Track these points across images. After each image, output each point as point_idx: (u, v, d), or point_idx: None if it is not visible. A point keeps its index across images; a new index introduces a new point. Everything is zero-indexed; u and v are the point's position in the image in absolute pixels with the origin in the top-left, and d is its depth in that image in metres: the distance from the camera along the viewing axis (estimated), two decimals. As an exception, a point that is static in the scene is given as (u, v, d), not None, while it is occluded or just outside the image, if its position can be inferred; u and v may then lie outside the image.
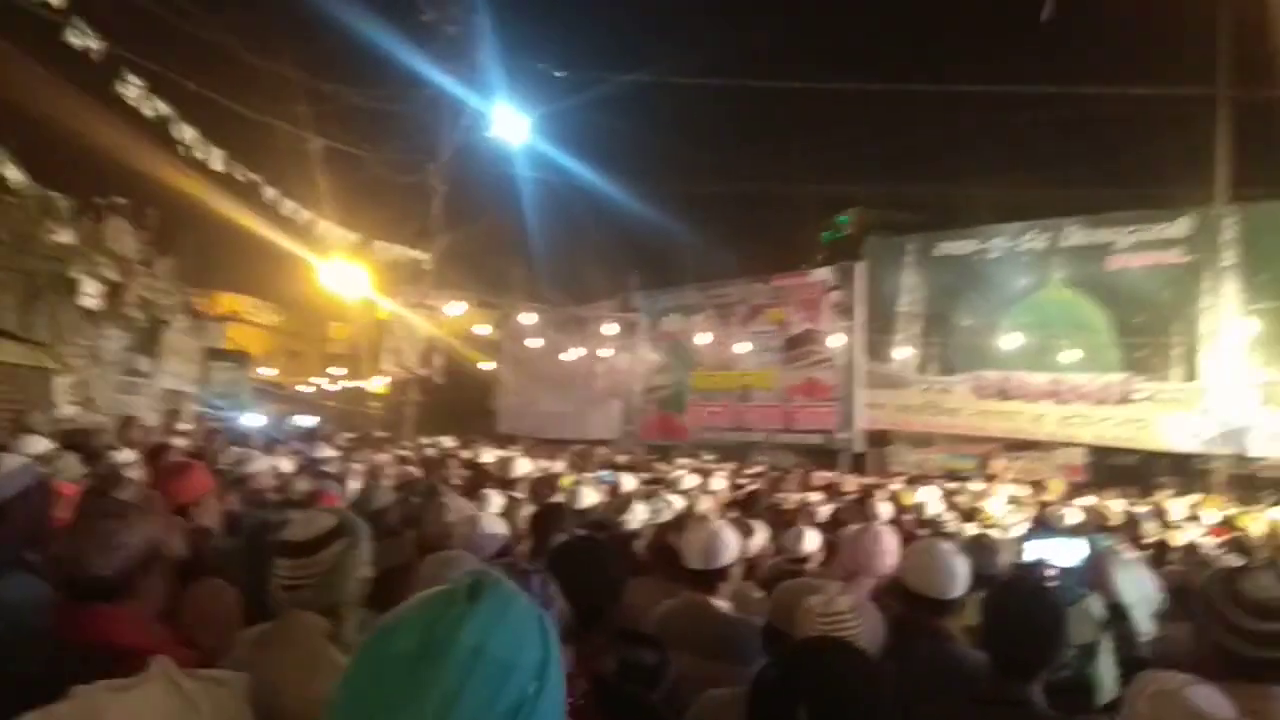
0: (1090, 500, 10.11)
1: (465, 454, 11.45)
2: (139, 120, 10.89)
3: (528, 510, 5.10)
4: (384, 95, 17.05)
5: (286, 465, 7.08)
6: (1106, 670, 2.72)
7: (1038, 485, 13.20)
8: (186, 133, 11.35)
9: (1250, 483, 15.14)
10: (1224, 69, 14.76)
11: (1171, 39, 16.10)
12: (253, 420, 18.24)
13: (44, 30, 9.20)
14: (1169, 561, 5.45)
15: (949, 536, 5.68)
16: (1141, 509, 9.20)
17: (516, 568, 1.86)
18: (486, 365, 26.41)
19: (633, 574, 3.59)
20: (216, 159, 12.06)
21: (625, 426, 23.06)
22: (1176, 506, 9.32)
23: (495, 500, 5.37)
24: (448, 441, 14.74)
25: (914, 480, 12.13)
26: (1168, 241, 15.71)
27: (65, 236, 12.36)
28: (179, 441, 8.35)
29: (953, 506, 8.35)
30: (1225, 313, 14.63)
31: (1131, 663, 2.78)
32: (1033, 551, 4.40)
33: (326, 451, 9.81)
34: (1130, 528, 7.67)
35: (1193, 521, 8.59)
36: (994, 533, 6.46)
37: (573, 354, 23.15)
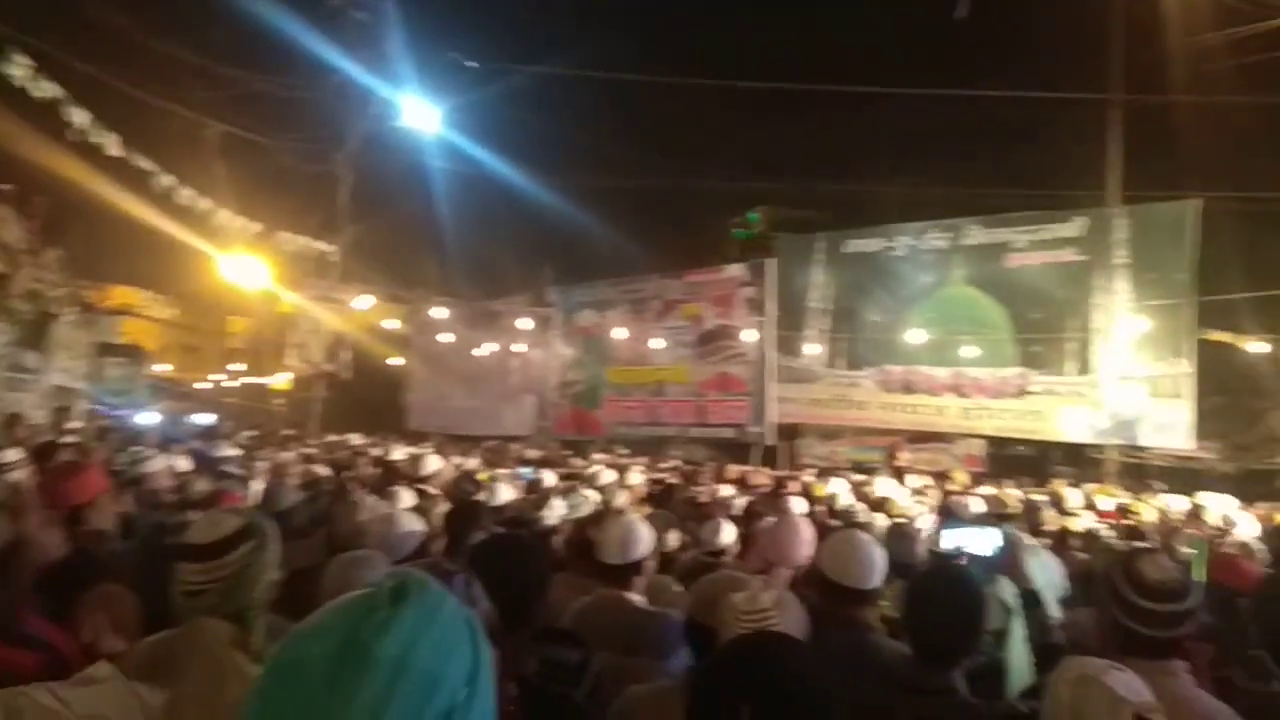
0: (991, 490, 10.46)
1: (375, 451, 11.18)
2: (26, 102, 10.29)
3: (441, 508, 4.99)
4: (289, 82, 16.52)
5: (184, 465, 6.78)
6: (1019, 655, 2.79)
7: (941, 476, 13.60)
8: (78, 116, 10.76)
9: (1140, 471, 15.94)
10: (1116, 76, 15.41)
11: (1068, 45, 16.82)
12: (148, 418, 17.49)
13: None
14: (1071, 548, 5.66)
15: (861, 526, 5.79)
16: (1040, 497, 9.55)
17: (438, 568, 1.80)
18: (396, 360, 25.89)
19: (552, 570, 3.54)
20: (110, 144, 11.47)
21: (539, 422, 22.87)
22: (1073, 495, 9.70)
23: (406, 498, 5.24)
24: (356, 439, 14.41)
25: (824, 473, 12.35)
26: (1062, 241, 16.32)
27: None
28: (70, 440, 7.93)
29: (862, 498, 8.51)
30: (1116, 310, 15.28)
31: (1045, 648, 2.86)
32: (948, 541, 4.51)
33: (227, 450, 9.48)
34: (1030, 515, 7.95)
35: (1090, 509, 8.95)
36: (901, 522, 6.60)
37: (485, 349, 22.84)
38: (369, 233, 21.04)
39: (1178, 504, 9.12)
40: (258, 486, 5.78)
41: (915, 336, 17.20)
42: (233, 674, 1.90)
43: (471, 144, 18.41)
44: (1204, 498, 8.94)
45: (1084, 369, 15.76)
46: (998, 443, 17.77)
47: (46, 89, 10.20)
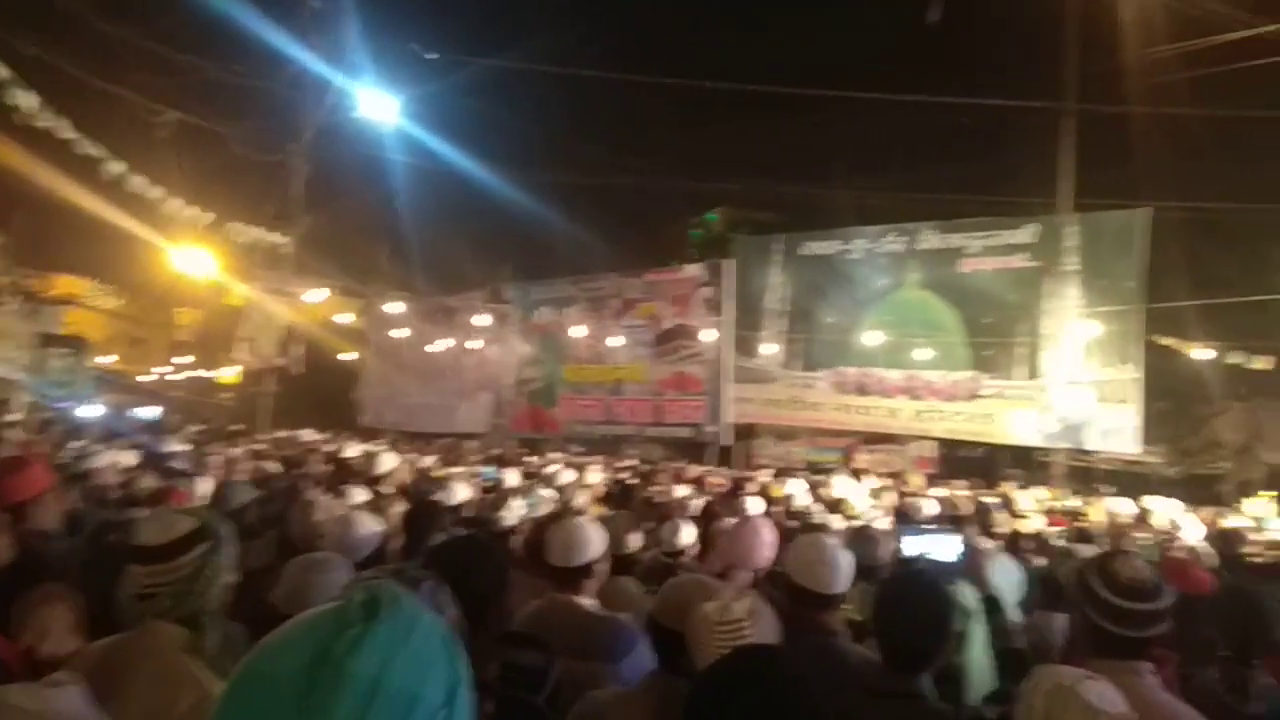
0: (943, 492, 10.59)
1: (328, 448, 10.98)
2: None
3: (397, 508, 4.90)
4: (243, 69, 16.15)
5: (130, 460, 6.59)
6: (979, 659, 2.80)
7: (895, 477, 13.74)
8: (23, 99, 10.39)
9: (1087, 475, 16.27)
10: (1068, 84, 15.70)
11: (1023, 55, 17.11)
12: (91, 411, 17.03)
13: None
14: (1023, 550, 5.73)
15: (818, 528, 5.81)
16: (990, 500, 9.67)
17: (404, 574, 1.75)
18: (349, 356, 25.53)
19: (511, 572, 3.49)
20: (57, 129, 11.10)
21: (494, 420, 22.70)
22: (1023, 497, 9.85)
23: (359, 497, 5.14)
24: (308, 435, 14.15)
25: (781, 473, 12.41)
26: (1014, 247, 16.59)
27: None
28: (10, 434, 7.68)
29: (818, 499, 8.56)
30: (1066, 316, 15.58)
31: (1006, 653, 2.88)
32: (910, 546, 4.53)
33: (174, 446, 9.25)
34: (982, 517, 8.05)
35: (1040, 512, 9.10)
36: (856, 524, 6.65)
37: (440, 345, 22.62)
38: (324, 225, 20.70)
39: (1124, 507, 9.29)
40: (205, 484, 5.63)
41: (870, 339, 17.38)
42: (187, 682, 1.83)
43: (430, 137, 18.21)
44: (1151, 502, 9.12)
45: (1034, 373, 16.03)
46: (949, 444, 18.02)
47: (-12, 71, 9.84)
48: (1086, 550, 3.85)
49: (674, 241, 29.94)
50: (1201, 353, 15.28)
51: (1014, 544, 6.02)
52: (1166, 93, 13.76)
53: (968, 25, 17.01)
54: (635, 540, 4.23)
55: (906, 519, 7.10)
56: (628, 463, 13.31)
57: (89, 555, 3.35)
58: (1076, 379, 15.31)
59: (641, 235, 27.83)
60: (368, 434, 17.65)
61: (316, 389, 22.99)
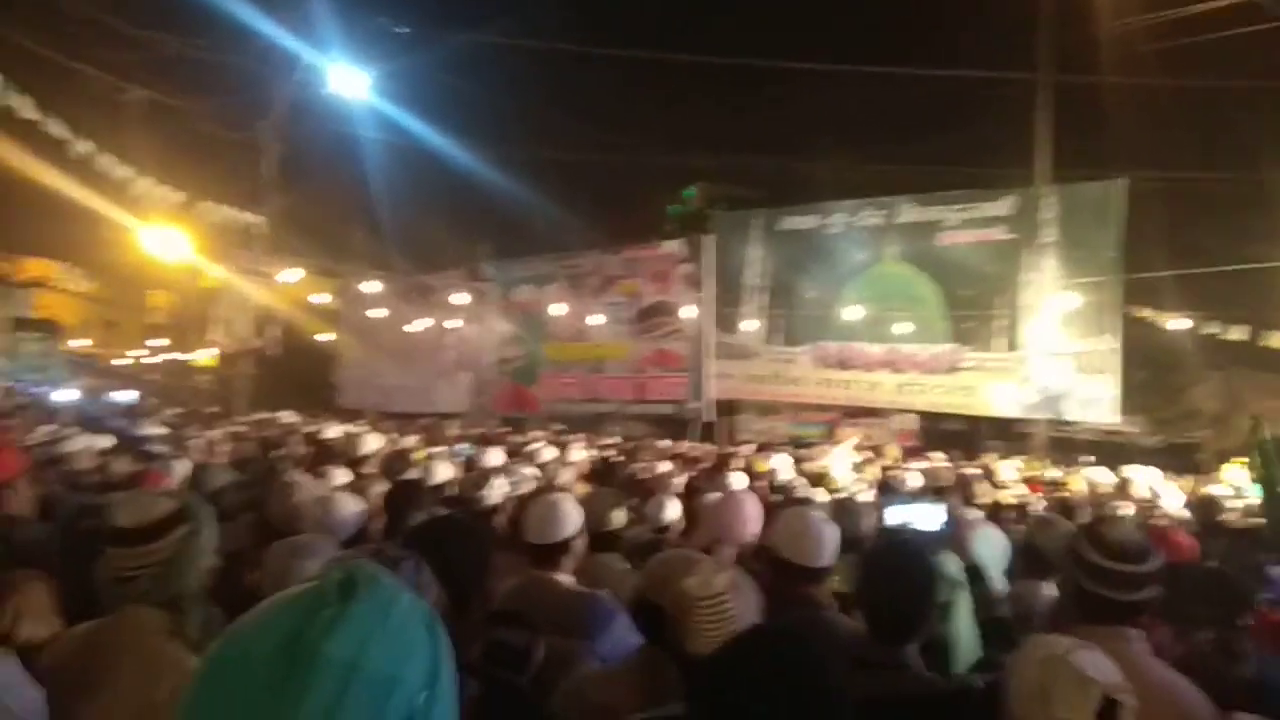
0: (924, 464, 10.63)
1: (308, 429, 10.89)
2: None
3: (378, 488, 4.85)
4: (211, 44, 15.85)
5: (106, 444, 6.49)
6: (964, 630, 2.80)
7: (876, 450, 13.80)
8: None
9: (1067, 445, 16.42)
10: (1045, 56, 15.71)
11: (999, 26, 17.07)
12: (65, 395, 16.82)
13: None
14: (1005, 520, 5.76)
15: (802, 502, 5.82)
16: (971, 470, 9.73)
17: (384, 554, 1.70)
18: (326, 336, 25.31)
19: (496, 550, 3.46)
20: (20, 108, 10.85)
21: (475, 399, 22.61)
22: (1004, 468, 9.91)
23: (340, 478, 5.09)
24: (287, 416, 14.03)
25: (764, 448, 12.43)
26: (992, 219, 16.64)
27: None
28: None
29: (801, 473, 8.57)
30: (1043, 287, 15.67)
31: (990, 622, 2.88)
32: (893, 517, 4.54)
33: (150, 429, 9.14)
34: (964, 489, 8.10)
35: (1020, 482, 9.16)
36: (839, 497, 6.66)
37: (419, 324, 22.46)
38: (298, 204, 20.45)
39: (1104, 477, 9.37)
40: (183, 467, 5.55)
41: (850, 313, 17.42)
42: (168, 666, 1.80)
43: (404, 113, 18.01)
44: (1130, 471, 9.20)
45: (1013, 345, 16.14)
46: (931, 418, 18.13)
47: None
48: (1064, 520, 3.86)
49: (653, 218, 29.81)
50: (1178, 323, 15.40)
51: (996, 514, 6.06)
52: (1142, 63, 13.79)
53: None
54: (619, 517, 4.21)
55: (890, 491, 7.13)
56: (611, 440, 13.29)
57: (65, 540, 3.30)
58: (1055, 350, 15.43)
59: (620, 211, 27.67)
60: (348, 415, 17.53)
61: (294, 370, 22.82)
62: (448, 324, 22.25)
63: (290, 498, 3.83)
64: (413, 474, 5.77)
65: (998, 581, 3.33)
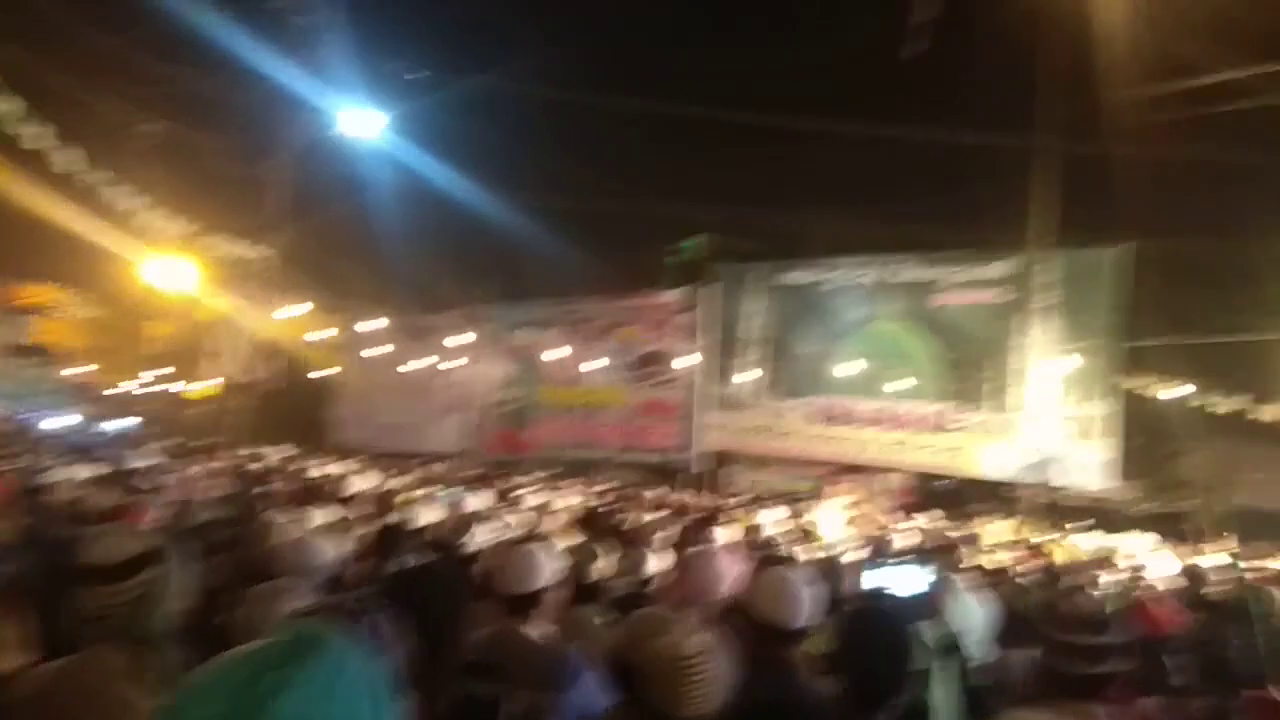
0: (911, 524, 10.59)
1: (293, 467, 10.85)
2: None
3: (360, 531, 4.84)
4: (224, 82, 16.09)
5: (87, 474, 6.46)
6: (942, 698, 2.77)
7: (867, 507, 13.73)
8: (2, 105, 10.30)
9: (1054, 510, 16.32)
10: (1043, 123, 15.89)
11: (1002, 86, 17.31)
12: (58, 422, 16.78)
13: None
14: (988, 585, 5.72)
15: (784, 560, 5.78)
16: (957, 534, 9.69)
17: (346, 607, 1.70)
18: (324, 372, 25.28)
19: (474, 599, 3.44)
20: (29, 137, 11.00)
21: (466, 441, 22.53)
22: (991, 532, 9.87)
23: (320, 518, 5.06)
24: (275, 453, 13.97)
25: (757, 501, 12.37)
26: (987, 282, 16.76)
27: None
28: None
29: (797, 526, 8.54)
30: (1040, 351, 15.68)
31: (969, 691, 2.85)
32: (874, 579, 4.50)
33: (139, 460, 9.12)
34: (950, 552, 8.06)
35: (1006, 547, 9.11)
36: (825, 554, 6.63)
37: (418, 364, 22.47)
38: (302, 240, 20.56)
39: (1090, 545, 9.32)
40: (168, 501, 5.54)
41: (843, 369, 17.45)
42: (125, 715, 1.79)
43: (412, 155, 18.21)
44: (1119, 539, 9.16)
45: (1004, 407, 16.12)
46: (920, 477, 18.04)
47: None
48: (1045, 588, 3.84)
49: (653, 267, 29.96)
50: (1171, 391, 15.43)
51: (979, 580, 6.01)
52: (1142, 132, 13.95)
53: (950, 62, 17.24)
54: (602, 568, 4.19)
55: (878, 552, 7.09)
56: (605, 487, 13.22)
57: (42, 572, 3.29)
58: (1048, 414, 15.41)
59: (621, 259, 27.79)
60: (341, 453, 17.45)
61: (290, 405, 22.75)
62: (446, 365, 22.25)
63: (267, 539, 3.82)
64: (394, 517, 5.75)
65: (977, 649, 3.30)
